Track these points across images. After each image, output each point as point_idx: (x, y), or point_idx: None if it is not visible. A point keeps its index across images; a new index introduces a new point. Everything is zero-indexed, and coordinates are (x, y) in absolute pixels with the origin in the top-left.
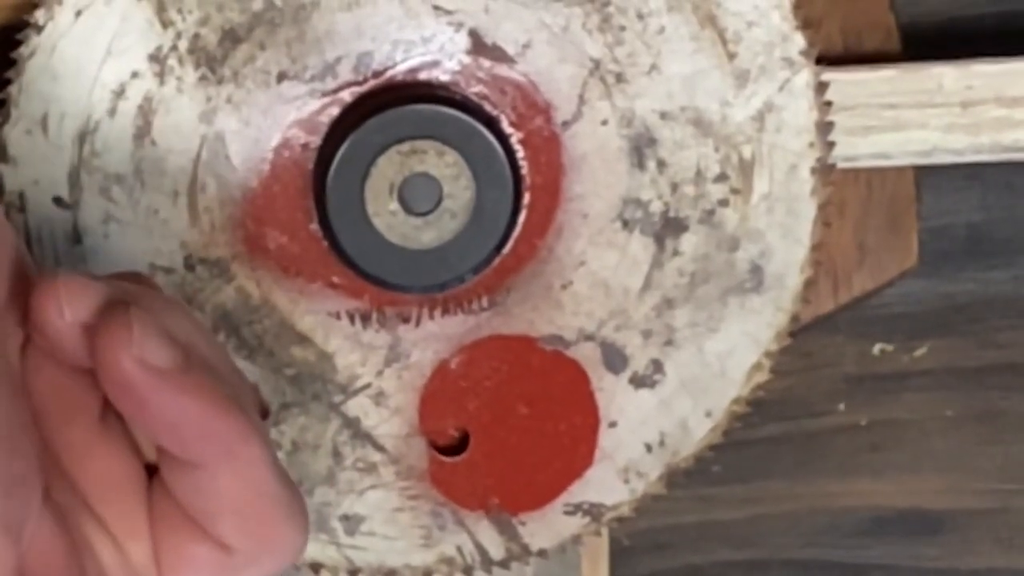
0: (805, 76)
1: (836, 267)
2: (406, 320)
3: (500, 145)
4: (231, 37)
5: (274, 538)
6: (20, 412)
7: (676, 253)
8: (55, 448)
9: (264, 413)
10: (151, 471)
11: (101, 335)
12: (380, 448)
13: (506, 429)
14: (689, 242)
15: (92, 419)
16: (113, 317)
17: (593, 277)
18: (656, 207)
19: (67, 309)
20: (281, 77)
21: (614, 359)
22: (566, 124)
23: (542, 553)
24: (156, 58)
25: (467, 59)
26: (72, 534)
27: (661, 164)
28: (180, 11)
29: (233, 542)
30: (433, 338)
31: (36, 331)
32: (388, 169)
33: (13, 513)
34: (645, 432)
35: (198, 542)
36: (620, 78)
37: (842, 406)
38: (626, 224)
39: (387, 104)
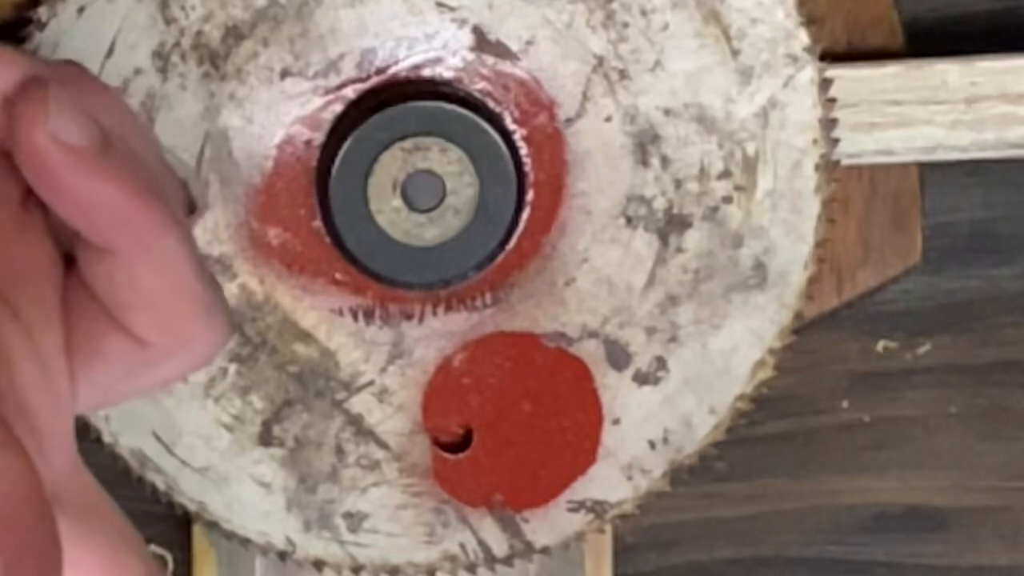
0: (809, 73)
1: (840, 264)
2: (409, 317)
3: (503, 142)
4: (234, 34)
5: (189, 334)
6: None
7: (680, 250)
8: None
9: (191, 209)
10: (70, 265)
11: (17, 108)
12: (383, 445)
13: (509, 426)
14: (693, 239)
15: (11, 206)
16: (31, 91)
17: (597, 274)
18: (660, 204)
19: None
20: (284, 74)
21: (617, 356)
22: (569, 121)
23: (545, 550)
24: (159, 55)
25: (470, 56)
26: None
27: (665, 161)
28: (183, 8)
29: (146, 335)
30: (436, 335)
31: None
32: (391, 166)
33: None
34: (648, 429)
35: (111, 334)
36: (624, 75)
37: (845, 403)
38: (630, 221)
39: (390, 101)
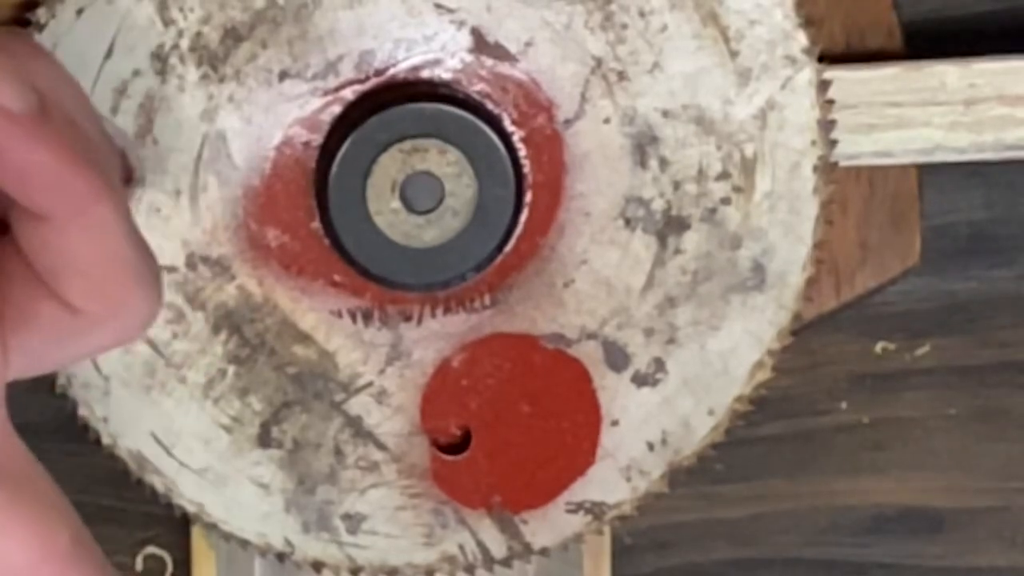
0: (807, 74)
1: (838, 265)
2: (408, 318)
3: (502, 143)
4: (233, 35)
5: (121, 303)
6: None
7: (678, 251)
8: None
9: (128, 178)
10: (5, 231)
11: None
12: (382, 447)
13: (508, 427)
14: (691, 240)
15: None
16: None
17: (595, 275)
18: (658, 205)
19: None
20: (283, 75)
21: (616, 357)
22: (568, 122)
23: (544, 551)
24: (158, 56)
25: (469, 57)
26: None
27: (663, 162)
28: (182, 9)
29: (78, 303)
30: (435, 336)
31: None
32: (390, 167)
33: None
34: (647, 430)
35: (44, 301)
36: (622, 76)
37: (844, 404)
38: (628, 222)
39: (389, 102)
